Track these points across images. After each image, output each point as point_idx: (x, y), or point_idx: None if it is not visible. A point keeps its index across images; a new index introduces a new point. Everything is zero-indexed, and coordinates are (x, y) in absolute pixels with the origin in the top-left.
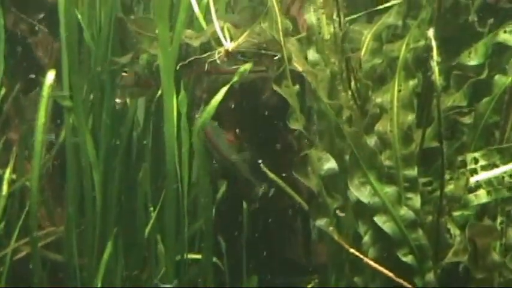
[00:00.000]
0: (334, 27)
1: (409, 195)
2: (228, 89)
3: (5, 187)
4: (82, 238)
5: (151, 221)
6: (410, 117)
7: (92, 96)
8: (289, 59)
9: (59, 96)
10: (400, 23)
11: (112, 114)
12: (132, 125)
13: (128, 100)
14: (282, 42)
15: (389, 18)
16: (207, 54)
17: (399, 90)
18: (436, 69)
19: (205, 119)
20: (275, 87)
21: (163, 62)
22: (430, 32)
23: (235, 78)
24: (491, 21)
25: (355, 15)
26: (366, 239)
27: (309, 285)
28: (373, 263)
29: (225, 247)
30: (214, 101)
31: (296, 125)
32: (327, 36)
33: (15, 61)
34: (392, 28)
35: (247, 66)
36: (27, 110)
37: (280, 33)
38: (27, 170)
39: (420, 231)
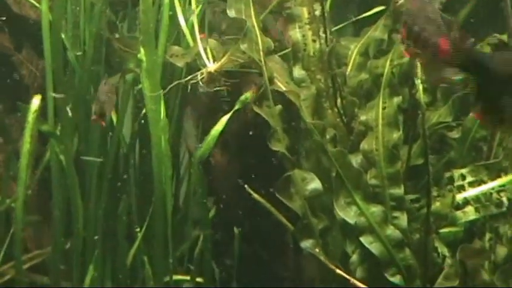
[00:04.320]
0: (320, 44)
1: (396, 214)
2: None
3: None
4: (68, 260)
5: (137, 243)
6: (396, 135)
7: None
8: (271, 79)
9: (42, 123)
10: (386, 36)
11: (98, 135)
12: (119, 145)
13: (114, 119)
14: (263, 63)
15: (376, 32)
16: (190, 76)
17: (384, 108)
18: (420, 86)
19: (205, 150)
20: (255, 108)
21: (147, 86)
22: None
23: (237, 106)
24: None
25: (340, 25)
26: (354, 258)
27: None
28: (359, 283)
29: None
30: (215, 131)
31: (278, 146)
32: (313, 53)
33: None
34: (378, 42)
35: (249, 94)
36: (12, 130)
37: (261, 53)
38: (13, 191)
39: (407, 251)
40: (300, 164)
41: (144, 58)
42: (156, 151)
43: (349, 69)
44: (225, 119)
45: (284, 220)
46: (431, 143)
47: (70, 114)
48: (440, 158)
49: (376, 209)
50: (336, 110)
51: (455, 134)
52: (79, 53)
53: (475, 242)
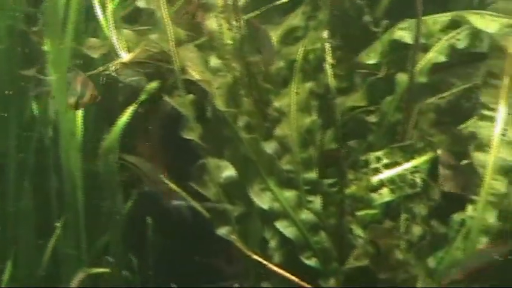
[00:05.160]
0: (234, 32)
1: (310, 198)
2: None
3: None
4: None
5: (54, 237)
6: (308, 120)
7: None
8: (183, 69)
9: None
10: (304, 24)
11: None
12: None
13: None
14: (173, 53)
15: (295, 20)
16: (102, 68)
17: (297, 93)
18: (329, 71)
19: (111, 141)
20: (166, 98)
21: (54, 78)
22: (325, 34)
23: (143, 97)
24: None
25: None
26: (272, 244)
27: None
28: (275, 268)
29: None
30: (121, 122)
31: (191, 135)
32: (228, 42)
33: None
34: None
35: (154, 84)
36: None
37: (171, 43)
38: None
39: (323, 234)
40: (220, 152)
41: (49, 49)
42: (64, 142)
43: None
44: (130, 109)
45: (200, 208)
46: (352, 128)
47: None
48: (361, 142)
49: (290, 194)
50: (251, 97)
51: (373, 119)
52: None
53: (385, 222)
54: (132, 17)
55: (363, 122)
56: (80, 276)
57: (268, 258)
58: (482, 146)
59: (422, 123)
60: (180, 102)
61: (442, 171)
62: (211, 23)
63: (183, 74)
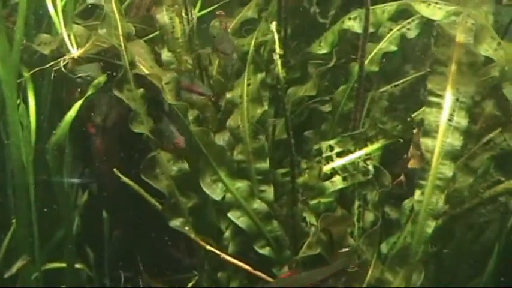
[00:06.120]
0: (184, 25)
1: (263, 187)
2: (82, 103)
3: None
4: None
5: (9, 234)
6: (260, 111)
7: None
8: (132, 63)
9: None
10: (257, 16)
11: None
12: None
13: None
14: (122, 47)
15: (248, 12)
16: (52, 63)
17: (248, 84)
18: (279, 61)
19: (60, 136)
20: (116, 92)
21: (2, 73)
22: (273, 26)
23: (90, 91)
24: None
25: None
26: (226, 234)
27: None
28: (229, 258)
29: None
30: (68, 117)
31: (140, 128)
32: (179, 35)
33: None
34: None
35: (102, 78)
36: None
37: (121, 38)
38: None
39: (275, 223)
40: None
41: None
42: (14, 136)
43: None
44: (78, 104)
45: (153, 201)
46: (308, 118)
47: None
48: (316, 132)
49: (242, 184)
50: None
51: (327, 108)
52: None
53: (337, 210)
54: (89, 12)
55: (319, 111)
56: (20, 262)
57: (224, 249)
58: (430, 132)
59: (375, 111)
60: (130, 96)
61: (412, 150)
62: (163, 16)
63: (133, 69)
